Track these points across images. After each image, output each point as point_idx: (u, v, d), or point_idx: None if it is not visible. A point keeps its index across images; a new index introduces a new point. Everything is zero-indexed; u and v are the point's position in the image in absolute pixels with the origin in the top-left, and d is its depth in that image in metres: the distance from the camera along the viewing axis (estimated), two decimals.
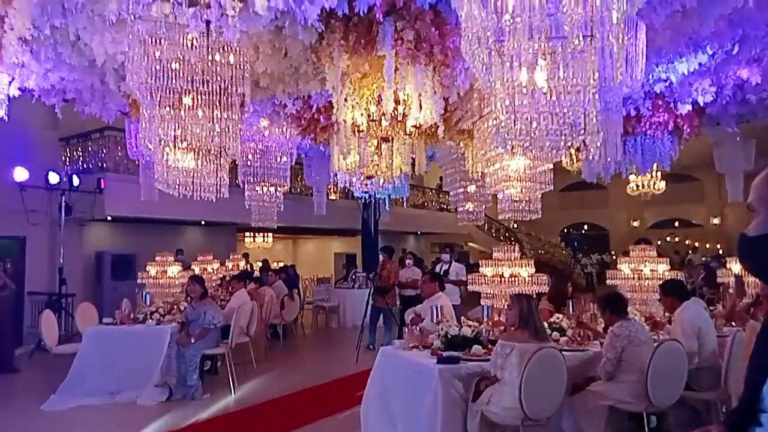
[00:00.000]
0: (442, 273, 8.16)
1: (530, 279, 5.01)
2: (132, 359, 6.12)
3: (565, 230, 26.83)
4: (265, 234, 18.20)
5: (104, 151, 11.44)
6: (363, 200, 11.48)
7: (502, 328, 4.61)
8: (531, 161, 5.10)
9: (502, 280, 4.99)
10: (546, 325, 4.53)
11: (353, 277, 13.15)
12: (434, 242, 22.66)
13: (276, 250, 20.08)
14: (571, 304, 5.40)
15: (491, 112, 4.71)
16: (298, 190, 14.07)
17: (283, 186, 8.24)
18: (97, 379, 6.05)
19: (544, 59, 1.98)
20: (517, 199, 5.88)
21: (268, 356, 8.47)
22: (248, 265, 12.09)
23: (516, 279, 4.96)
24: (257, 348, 8.00)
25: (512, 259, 5.10)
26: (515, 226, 20.90)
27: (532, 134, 2.33)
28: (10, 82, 5.56)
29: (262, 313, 8.49)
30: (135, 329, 6.38)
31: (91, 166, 11.44)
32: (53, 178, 10.09)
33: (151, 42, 4.29)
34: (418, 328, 4.83)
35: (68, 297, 10.11)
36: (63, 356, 6.55)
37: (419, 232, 21.84)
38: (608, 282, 6.12)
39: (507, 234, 22.54)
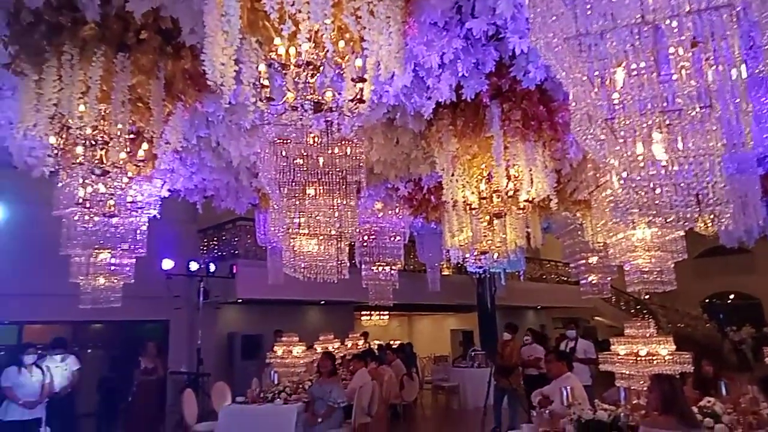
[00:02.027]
0: (568, 351, 7.69)
1: (671, 358, 4.56)
2: None
3: (707, 300, 24.09)
4: (381, 312, 18.42)
5: (236, 239, 12.55)
6: (477, 275, 11.33)
7: (643, 412, 4.20)
8: (658, 230, 4.80)
9: (638, 359, 4.60)
10: (695, 410, 4.05)
11: (472, 355, 12.75)
12: (556, 317, 21.44)
13: (392, 328, 20.14)
14: (724, 386, 4.80)
15: (608, 182, 4.58)
16: (412, 267, 14.22)
17: (398, 264, 8.43)
18: None
19: (660, 132, 1.95)
20: (647, 269, 5.50)
21: None
22: (367, 344, 12.24)
23: (654, 358, 4.54)
24: (379, 429, 7.91)
25: (648, 335, 4.71)
26: (647, 297, 19.22)
27: (656, 203, 2.25)
28: (162, 185, 6.39)
29: (383, 392, 8.46)
30: (265, 408, 6.66)
31: (224, 254, 12.57)
32: (193, 266, 11.24)
33: (280, 142, 4.81)
34: (547, 411, 4.55)
35: (204, 376, 10.84)
36: None
37: (539, 307, 20.85)
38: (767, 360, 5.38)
39: (638, 307, 20.77)
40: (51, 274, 6.86)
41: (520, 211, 5.20)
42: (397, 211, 7.93)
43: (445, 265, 13.74)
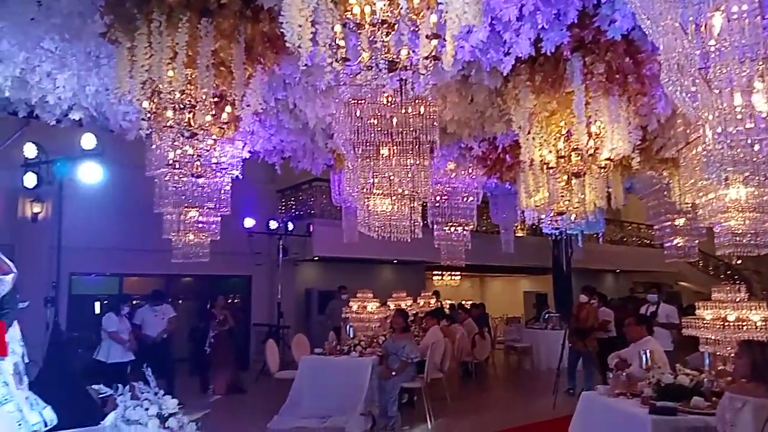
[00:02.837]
0: (649, 315, 7.43)
1: (764, 324, 4.31)
2: (340, 388, 6.69)
3: None
4: (453, 272, 18.49)
5: (312, 199, 12.94)
6: (553, 237, 11.07)
7: (729, 378, 4.03)
8: (755, 189, 4.47)
9: (726, 324, 4.38)
10: None
11: (546, 317, 12.61)
12: (637, 281, 20.60)
13: (463, 288, 20.20)
14: None
15: (700, 137, 4.29)
16: (485, 228, 14.08)
17: (470, 225, 8.41)
18: (311, 404, 6.72)
19: (762, 81, 1.80)
20: (740, 231, 5.16)
21: (461, 393, 8.51)
22: (438, 303, 12.40)
23: (744, 324, 4.30)
24: (451, 384, 8.10)
25: (738, 300, 4.46)
26: (739, 262, 17.97)
27: (754, 160, 2.10)
28: (243, 147, 6.67)
29: (454, 350, 8.61)
30: (341, 360, 6.99)
31: (301, 213, 13.01)
32: (273, 224, 11.75)
33: (354, 103, 4.86)
34: (624, 373, 4.47)
35: (284, 328, 11.45)
36: (283, 380, 7.43)
37: (618, 270, 20.10)
38: None
39: (729, 272, 19.51)
40: (147, 230, 7.42)
41: (601, 170, 5.00)
42: (470, 171, 7.84)
43: (519, 227, 13.53)
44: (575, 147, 4.75)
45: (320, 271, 13.79)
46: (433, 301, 11.69)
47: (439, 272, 18.47)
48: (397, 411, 6.52)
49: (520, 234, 14.23)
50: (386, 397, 6.49)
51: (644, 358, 4.58)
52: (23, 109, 5.84)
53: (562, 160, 4.98)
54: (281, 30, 3.12)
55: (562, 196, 5.49)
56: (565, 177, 5.31)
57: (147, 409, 4.50)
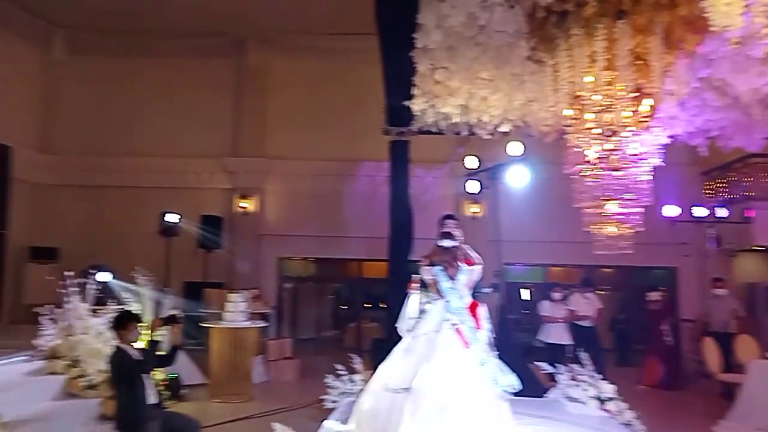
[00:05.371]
0: None
1: None
2: None
3: None
4: None
5: (748, 179, 11.04)
6: None
7: None
8: None
9: None
10: None
11: None
12: None
13: None
14: None
15: None
16: None
17: None
18: (766, 415, 5.84)
19: None
20: None
21: None
22: None
23: None
24: None
25: None
26: None
27: None
28: (663, 133, 6.37)
29: None
30: None
31: (734, 197, 11.28)
32: (698, 211, 10.62)
33: None
34: None
35: None
36: (724, 383, 6.72)
37: None
38: None
39: None
40: (567, 224, 7.91)
41: None
42: None
43: None
44: None
45: (765, 263, 11.63)
46: None
47: None
48: None
49: None
50: None
51: None
52: (465, 129, 7.16)
53: None
54: (703, 12, 2.99)
55: None
56: None
57: (585, 390, 4.94)
